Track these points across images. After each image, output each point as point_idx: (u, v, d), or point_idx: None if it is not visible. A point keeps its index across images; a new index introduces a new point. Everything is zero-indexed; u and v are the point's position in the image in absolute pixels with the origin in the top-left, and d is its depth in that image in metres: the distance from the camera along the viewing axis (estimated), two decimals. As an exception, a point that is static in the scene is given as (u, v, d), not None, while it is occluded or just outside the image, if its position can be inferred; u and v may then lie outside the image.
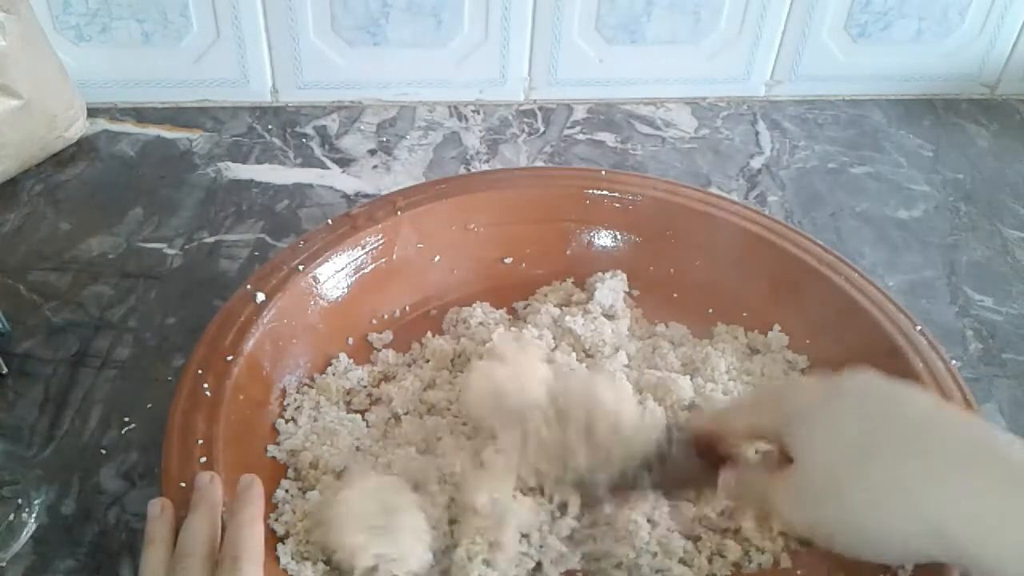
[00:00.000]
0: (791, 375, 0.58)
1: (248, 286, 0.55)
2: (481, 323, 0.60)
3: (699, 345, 0.60)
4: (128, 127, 0.80)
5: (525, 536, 0.47)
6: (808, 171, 0.80)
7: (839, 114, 0.88)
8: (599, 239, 0.65)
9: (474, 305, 0.61)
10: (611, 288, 0.62)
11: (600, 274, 0.63)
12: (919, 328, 0.54)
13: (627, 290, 0.63)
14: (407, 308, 0.62)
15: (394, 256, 0.61)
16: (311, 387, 0.55)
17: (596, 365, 0.57)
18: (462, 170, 0.78)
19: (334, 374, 0.56)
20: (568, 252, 0.65)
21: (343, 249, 0.58)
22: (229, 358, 0.50)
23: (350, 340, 0.59)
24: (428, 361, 0.58)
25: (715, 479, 0.43)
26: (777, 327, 0.60)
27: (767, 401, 0.43)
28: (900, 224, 0.74)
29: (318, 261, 0.57)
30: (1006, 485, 0.33)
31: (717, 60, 0.86)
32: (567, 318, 0.59)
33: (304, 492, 0.48)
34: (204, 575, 0.38)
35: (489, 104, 0.86)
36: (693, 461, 0.44)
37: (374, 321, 0.60)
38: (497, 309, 0.61)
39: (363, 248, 0.59)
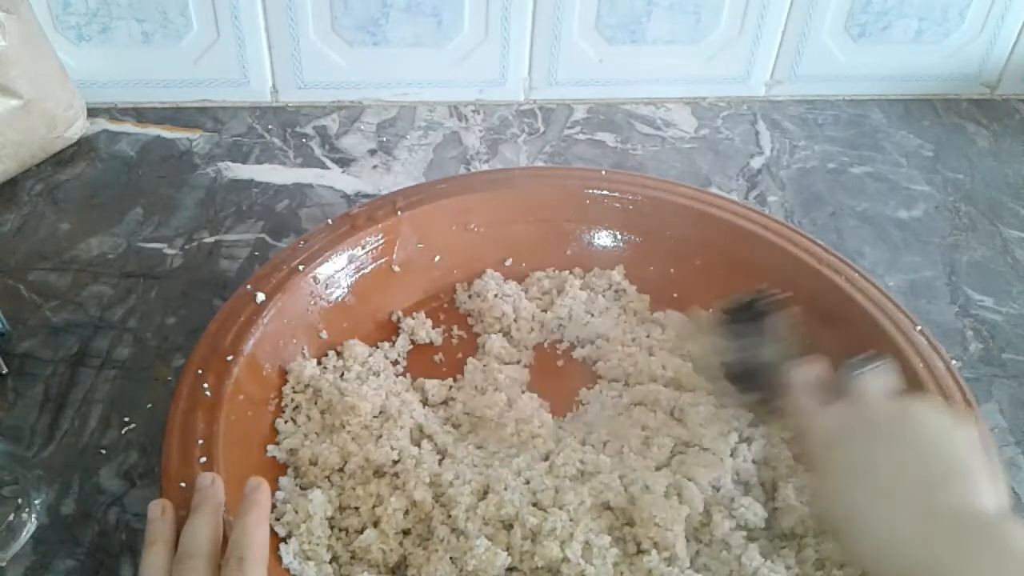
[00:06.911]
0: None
1: (248, 286, 0.55)
2: (496, 295, 0.61)
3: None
4: (128, 127, 0.80)
5: None
6: (808, 171, 0.80)
7: (839, 114, 0.88)
8: (599, 239, 0.65)
9: (484, 277, 0.63)
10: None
11: (597, 270, 0.64)
12: (919, 328, 0.54)
13: (624, 288, 0.64)
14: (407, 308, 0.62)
15: (394, 256, 0.61)
16: (311, 386, 0.55)
17: None
18: (462, 170, 0.77)
19: (334, 374, 0.56)
20: (568, 252, 0.65)
21: (343, 249, 0.59)
22: (229, 358, 0.51)
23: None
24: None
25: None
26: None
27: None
28: (900, 224, 0.74)
29: (318, 261, 0.57)
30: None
31: (717, 60, 0.86)
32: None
33: (304, 491, 0.48)
34: (208, 575, 0.38)
35: (489, 104, 0.86)
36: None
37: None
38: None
39: (363, 248, 0.60)
